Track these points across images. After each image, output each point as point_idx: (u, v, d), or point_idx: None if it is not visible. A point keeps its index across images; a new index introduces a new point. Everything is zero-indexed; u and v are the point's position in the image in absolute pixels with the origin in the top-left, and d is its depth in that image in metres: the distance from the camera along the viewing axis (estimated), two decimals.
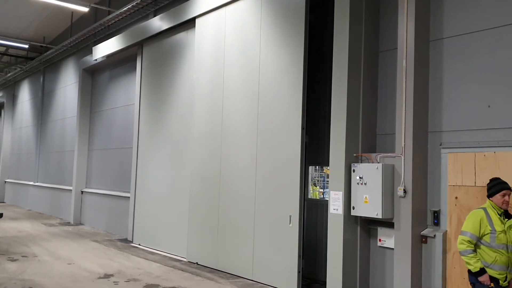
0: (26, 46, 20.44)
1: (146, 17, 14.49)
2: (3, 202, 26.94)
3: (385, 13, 8.15)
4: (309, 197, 9.90)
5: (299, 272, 8.52)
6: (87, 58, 17.85)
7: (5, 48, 23.07)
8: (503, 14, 6.60)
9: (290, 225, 8.70)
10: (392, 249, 7.46)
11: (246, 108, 10.01)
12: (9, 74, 26.35)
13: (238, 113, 10.22)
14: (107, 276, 9.50)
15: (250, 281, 9.29)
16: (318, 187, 9.99)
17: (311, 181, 9.99)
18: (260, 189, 9.49)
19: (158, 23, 13.19)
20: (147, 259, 11.39)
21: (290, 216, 8.73)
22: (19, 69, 24.97)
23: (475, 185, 6.70)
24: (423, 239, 7.17)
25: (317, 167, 9.88)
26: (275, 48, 9.44)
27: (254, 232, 9.53)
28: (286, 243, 8.78)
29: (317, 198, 9.83)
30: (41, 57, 21.79)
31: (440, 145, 7.16)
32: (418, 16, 7.28)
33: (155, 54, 13.71)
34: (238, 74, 10.32)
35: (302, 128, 8.72)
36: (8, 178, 27.52)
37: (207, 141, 11.03)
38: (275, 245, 9.03)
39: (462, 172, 6.85)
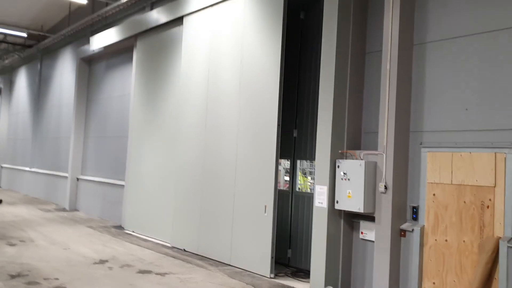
0: (25, 35, 20.63)
1: (143, 9, 14.78)
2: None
3: (372, 16, 8.50)
4: (297, 189, 10.29)
5: (272, 257, 9.14)
6: (85, 47, 18.08)
7: (3, 35, 23.22)
8: (482, 22, 6.95)
9: (265, 214, 9.27)
10: (373, 241, 7.87)
11: (228, 105, 10.54)
12: (6, 61, 26.54)
13: (221, 109, 10.75)
14: (102, 261, 9.90)
15: (239, 269, 9.70)
16: (310, 177, 10.35)
17: (302, 172, 10.37)
18: (240, 180, 10.07)
19: (152, 18, 13.57)
20: (140, 246, 11.79)
21: (265, 206, 9.29)
22: (16, 56, 25.16)
23: (451, 183, 7.09)
24: (402, 233, 7.58)
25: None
26: (256, 49, 9.98)
27: (233, 220, 10.14)
28: (261, 230, 9.37)
29: (304, 191, 10.20)
30: (39, 45, 22.04)
31: (420, 144, 7.55)
32: (402, 21, 7.63)
33: (149, 47, 14.05)
34: (222, 73, 10.87)
35: (278, 125, 9.31)
36: (4, 163, 27.82)
37: (193, 135, 11.59)
38: (252, 233, 9.63)
39: (440, 170, 7.24)
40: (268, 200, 9.28)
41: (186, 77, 12.00)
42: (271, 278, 9.05)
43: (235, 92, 10.35)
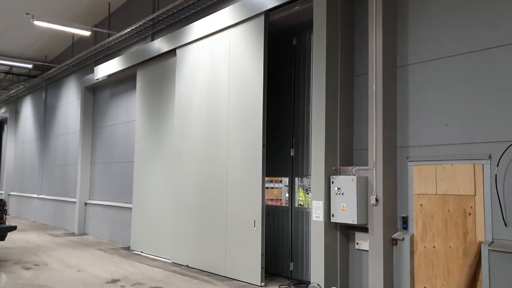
0: (30, 66, 21.33)
1: (145, 39, 15.50)
2: (8, 214, 27.67)
3: (358, 42, 9.17)
4: (297, 205, 10.86)
5: (262, 268, 9.91)
6: (89, 76, 18.78)
7: (8, 67, 23.94)
8: (458, 45, 7.61)
9: (255, 228, 10.04)
10: (368, 251, 8.44)
11: (218, 130, 11.40)
12: (12, 91, 27.26)
13: (212, 134, 11.61)
14: (114, 281, 10.44)
15: (243, 283, 10.24)
16: (310, 194, 10.87)
17: (303, 189, 10.93)
18: (231, 199, 10.89)
19: (152, 48, 14.30)
20: (149, 265, 12.33)
21: (254, 221, 10.06)
22: (22, 86, 25.88)
23: (436, 194, 7.68)
24: (394, 242, 8.16)
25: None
26: (244, 77, 10.79)
27: (226, 235, 10.93)
28: (252, 243, 10.13)
29: (305, 206, 10.76)
30: (44, 75, 22.75)
31: (407, 158, 8.16)
32: (385, 46, 8.30)
33: (150, 76, 14.79)
34: (213, 102, 11.71)
35: (263, 146, 10.11)
36: (11, 191, 28.39)
37: (190, 160, 12.39)
38: (244, 246, 10.39)
39: (426, 182, 7.84)
40: (257, 215, 10.07)
41: (181, 107, 12.89)
42: (261, 286, 9.82)
43: (225, 116, 11.19)
